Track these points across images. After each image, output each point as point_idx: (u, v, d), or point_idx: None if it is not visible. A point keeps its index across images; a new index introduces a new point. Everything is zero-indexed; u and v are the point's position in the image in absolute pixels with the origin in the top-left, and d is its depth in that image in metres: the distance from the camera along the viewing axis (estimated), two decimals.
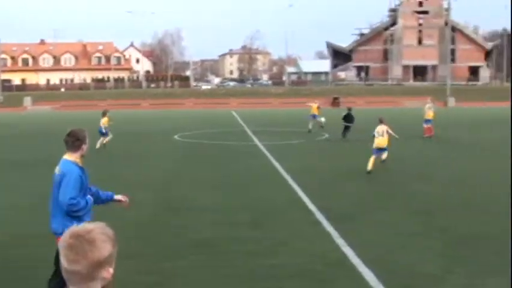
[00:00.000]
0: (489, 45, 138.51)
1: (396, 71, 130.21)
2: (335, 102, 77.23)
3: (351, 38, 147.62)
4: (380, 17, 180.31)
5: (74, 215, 6.76)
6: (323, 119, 36.36)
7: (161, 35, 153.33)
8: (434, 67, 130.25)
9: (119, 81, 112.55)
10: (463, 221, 12.34)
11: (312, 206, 13.79)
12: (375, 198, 15.02)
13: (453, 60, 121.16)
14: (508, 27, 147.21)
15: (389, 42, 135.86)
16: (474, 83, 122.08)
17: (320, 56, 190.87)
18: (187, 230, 11.72)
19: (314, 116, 36.60)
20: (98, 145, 26.37)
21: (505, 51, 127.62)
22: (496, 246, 10.36)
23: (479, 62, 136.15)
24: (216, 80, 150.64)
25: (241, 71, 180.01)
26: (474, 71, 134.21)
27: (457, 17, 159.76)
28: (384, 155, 20.79)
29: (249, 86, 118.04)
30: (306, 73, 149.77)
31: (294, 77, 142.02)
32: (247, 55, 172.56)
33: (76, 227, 2.57)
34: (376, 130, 20.55)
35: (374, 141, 20.23)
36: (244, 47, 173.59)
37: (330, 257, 9.75)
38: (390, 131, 20.68)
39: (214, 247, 10.41)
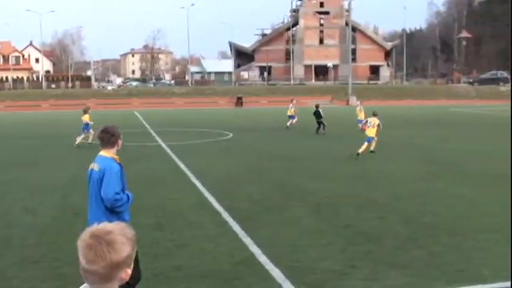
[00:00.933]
0: (389, 45, 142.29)
1: (299, 71, 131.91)
2: (239, 102, 77.65)
3: (254, 38, 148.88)
4: (282, 17, 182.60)
5: (117, 210, 6.95)
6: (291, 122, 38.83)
7: (61, 34, 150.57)
8: (335, 67, 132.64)
9: (18, 81, 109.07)
10: (364, 218, 12.68)
11: (218, 206, 13.85)
12: (278, 197, 15.19)
13: (354, 59, 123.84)
14: (406, 27, 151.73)
15: (291, 42, 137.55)
16: (375, 82, 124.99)
17: (223, 55, 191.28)
18: None
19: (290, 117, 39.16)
20: (77, 141, 28.54)
21: (404, 51, 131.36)
22: (397, 241, 10.71)
23: (380, 62, 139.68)
24: (118, 80, 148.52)
25: (143, 70, 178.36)
26: (375, 70, 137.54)
27: (358, 17, 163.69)
28: (373, 146, 24.04)
29: (152, 85, 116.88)
30: (209, 73, 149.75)
31: (197, 77, 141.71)
32: (149, 54, 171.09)
33: (95, 227, 2.63)
34: (369, 121, 24.50)
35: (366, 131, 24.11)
36: (146, 47, 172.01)
37: (237, 256, 9.84)
38: (380, 125, 24.38)
39: None
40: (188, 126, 41.38)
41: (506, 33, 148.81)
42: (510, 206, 12.77)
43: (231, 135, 33.73)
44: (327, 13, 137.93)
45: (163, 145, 28.43)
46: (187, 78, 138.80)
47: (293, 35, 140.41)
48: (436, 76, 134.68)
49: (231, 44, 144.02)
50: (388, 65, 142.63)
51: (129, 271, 2.68)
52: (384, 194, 15.66)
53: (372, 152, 23.92)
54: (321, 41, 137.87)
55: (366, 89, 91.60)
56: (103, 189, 6.88)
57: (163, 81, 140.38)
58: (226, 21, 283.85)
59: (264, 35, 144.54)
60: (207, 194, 15.51)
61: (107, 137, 7.19)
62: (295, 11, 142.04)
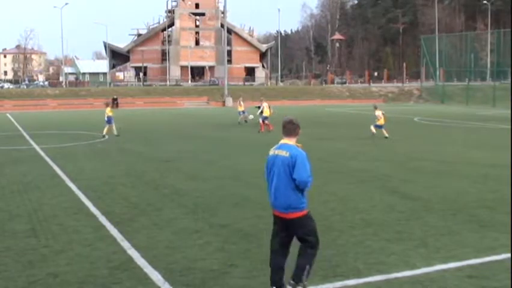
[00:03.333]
0: (264, 46, 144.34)
1: (175, 72, 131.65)
2: (114, 103, 76.48)
3: (129, 38, 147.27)
4: (158, 17, 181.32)
5: (305, 190, 7.85)
6: (250, 116, 42.07)
7: None
8: (211, 68, 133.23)
9: None
10: (242, 216, 12.84)
11: (94, 210, 13.63)
12: (155, 199, 15.09)
13: (230, 61, 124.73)
14: (281, 29, 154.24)
15: (167, 43, 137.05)
16: (251, 83, 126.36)
17: (98, 56, 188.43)
18: None
19: (243, 112, 43.35)
20: (114, 132, 33.46)
21: (279, 53, 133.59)
22: None
23: (255, 63, 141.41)
24: None
25: (16, 71, 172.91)
26: (250, 72, 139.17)
27: (233, 19, 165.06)
28: (385, 133, 30.71)
29: (24, 87, 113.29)
30: (84, 73, 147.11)
31: (71, 78, 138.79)
32: (22, 55, 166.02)
33: None
34: (376, 113, 31.41)
35: (377, 121, 31.20)
36: (18, 47, 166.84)
37: (115, 260, 9.71)
38: (383, 113, 31.46)
39: None
40: (63, 129, 40.45)
41: (376, 35, 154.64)
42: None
43: (106, 137, 33.23)
44: (202, 14, 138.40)
45: (37, 148, 27.64)
46: (61, 79, 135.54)
47: (169, 36, 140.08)
48: (310, 77, 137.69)
49: (105, 45, 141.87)
50: (263, 66, 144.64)
51: None
52: (259, 192, 15.87)
53: (386, 137, 30.37)
54: (197, 43, 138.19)
55: (242, 90, 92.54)
56: (299, 173, 7.66)
57: (36, 82, 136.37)
58: (100, 21, 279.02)
59: (139, 35, 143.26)
60: (83, 198, 15.23)
61: (293, 127, 8.06)
62: (170, 11, 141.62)
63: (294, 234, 8.05)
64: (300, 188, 7.78)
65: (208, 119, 50.41)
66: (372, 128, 31.36)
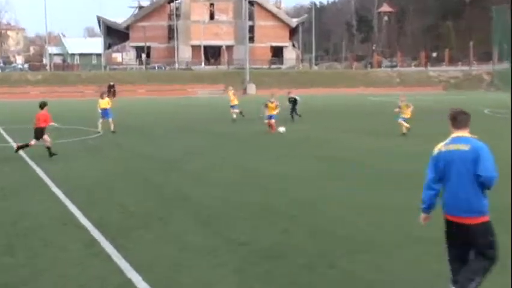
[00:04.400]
0: (294, 21, 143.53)
1: (185, 53, 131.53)
2: (110, 91, 76.57)
3: (129, 11, 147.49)
4: None
5: (490, 189, 8.06)
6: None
7: None
8: (229, 48, 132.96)
9: None
10: (263, 231, 12.87)
11: (85, 221, 13.73)
12: (158, 207, 15.20)
13: (252, 39, 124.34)
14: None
15: (175, 17, 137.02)
16: (278, 66, 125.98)
17: (90, 33, 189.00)
18: None
19: (232, 106, 44.24)
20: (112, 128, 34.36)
21: (313, 29, 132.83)
22: (304, 257, 10.89)
23: (283, 42, 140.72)
24: None
25: None
26: (277, 53, 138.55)
27: None
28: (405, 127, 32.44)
29: (0, 71, 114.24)
30: (72, 55, 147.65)
31: (57, 60, 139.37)
32: None
33: None
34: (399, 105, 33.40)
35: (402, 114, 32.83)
36: None
37: (111, 281, 9.81)
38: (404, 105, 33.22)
39: None
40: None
41: (434, 6, 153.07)
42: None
43: (100, 132, 33.45)
44: None
45: (15, 146, 27.85)
46: (44, 61, 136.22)
47: (177, 9, 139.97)
48: (352, 59, 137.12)
49: (99, 19, 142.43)
50: (294, 45, 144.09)
51: None
52: (282, 201, 15.81)
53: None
54: (211, 17, 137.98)
55: (268, 74, 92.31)
56: (485, 168, 7.92)
57: (13, 65, 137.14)
58: None
59: (140, 7, 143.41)
60: (70, 206, 15.36)
61: (466, 118, 8.40)
62: None
63: (472, 245, 8.23)
64: (484, 187, 8.02)
65: (223, 109, 50.41)
66: (403, 123, 32.36)
